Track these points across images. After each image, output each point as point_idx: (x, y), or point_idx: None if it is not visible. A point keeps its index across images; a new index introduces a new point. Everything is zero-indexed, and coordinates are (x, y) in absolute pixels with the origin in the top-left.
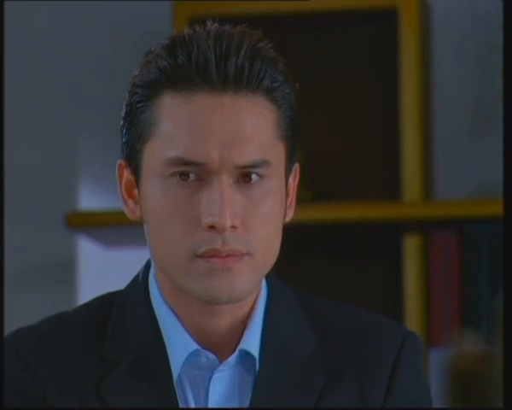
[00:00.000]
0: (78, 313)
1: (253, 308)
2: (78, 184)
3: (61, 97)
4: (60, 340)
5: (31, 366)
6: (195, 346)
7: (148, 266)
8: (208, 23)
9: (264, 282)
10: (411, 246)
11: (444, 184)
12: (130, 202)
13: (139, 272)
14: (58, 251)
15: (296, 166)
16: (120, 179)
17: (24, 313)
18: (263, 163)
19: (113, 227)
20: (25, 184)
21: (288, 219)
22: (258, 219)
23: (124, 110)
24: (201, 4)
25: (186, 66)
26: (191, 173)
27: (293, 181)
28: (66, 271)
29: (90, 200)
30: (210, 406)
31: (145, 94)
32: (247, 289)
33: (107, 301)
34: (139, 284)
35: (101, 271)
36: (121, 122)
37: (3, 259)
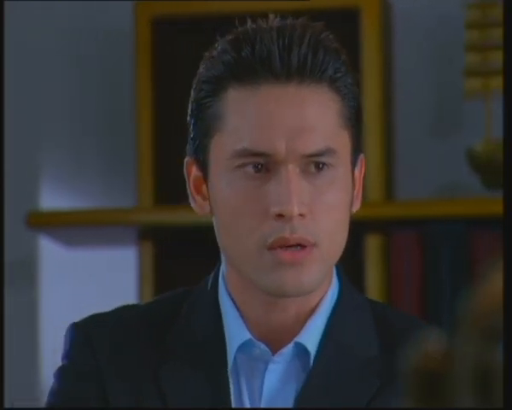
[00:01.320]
0: (150, 303)
1: (320, 302)
2: (40, 183)
3: (22, 96)
4: (125, 326)
5: (93, 348)
6: (248, 336)
7: (220, 263)
8: (271, 16)
9: (335, 278)
10: (373, 246)
11: (405, 184)
12: (199, 199)
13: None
14: (19, 251)
15: (361, 156)
16: (188, 176)
17: None
18: (328, 151)
19: (74, 227)
20: None
21: (355, 209)
22: (325, 208)
23: (189, 107)
24: (163, 4)
25: (250, 59)
26: (258, 165)
27: (360, 172)
28: (27, 271)
29: (51, 199)
30: (264, 397)
31: (211, 89)
32: (315, 281)
33: (179, 296)
34: (210, 282)
35: (62, 271)
36: (188, 119)
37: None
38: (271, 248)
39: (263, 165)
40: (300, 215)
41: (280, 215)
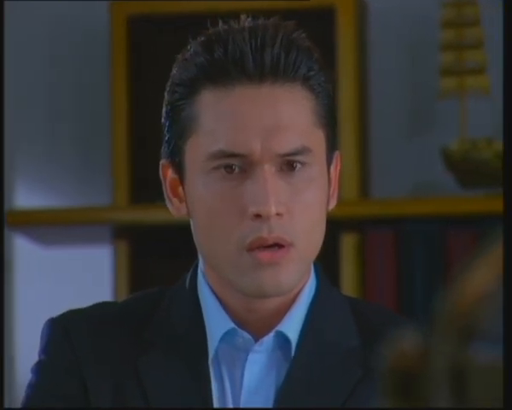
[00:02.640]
0: (127, 300)
1: (298, 295)
2: (16, 182)
3: None
4: (103, 321)
5: (72, 343)
6: (232, 325)
7: (198, 261)
8: (242, 17)
9: (312, 271)
10: (348, 244)
11: (380, 183)
12: (176, 201)
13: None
14: None
15: (337, 154)
16: (164, 179)
17: None
18: (304, 150)
19: (49, 226)
20: None
21: (331, 207)
22: (302, 207)
23: (164, 110)
24: (138, 4)
25: (223, 60)
26: (234, 166)
27: (335, 169)
28: (2, 269)
29: (26, 198)
30: (244, 387)
31: (184, 91)
32: (293, 281)
33: (156, 294)
34: (188, 279)
35: (37, 270)
36: (162, 122)
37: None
38: (250, 249)
39: (239, 166)
40: (278, 215)
41: (257, 215)
